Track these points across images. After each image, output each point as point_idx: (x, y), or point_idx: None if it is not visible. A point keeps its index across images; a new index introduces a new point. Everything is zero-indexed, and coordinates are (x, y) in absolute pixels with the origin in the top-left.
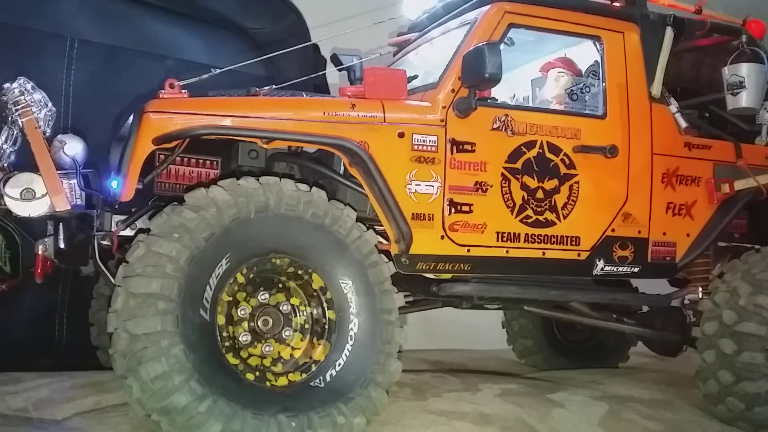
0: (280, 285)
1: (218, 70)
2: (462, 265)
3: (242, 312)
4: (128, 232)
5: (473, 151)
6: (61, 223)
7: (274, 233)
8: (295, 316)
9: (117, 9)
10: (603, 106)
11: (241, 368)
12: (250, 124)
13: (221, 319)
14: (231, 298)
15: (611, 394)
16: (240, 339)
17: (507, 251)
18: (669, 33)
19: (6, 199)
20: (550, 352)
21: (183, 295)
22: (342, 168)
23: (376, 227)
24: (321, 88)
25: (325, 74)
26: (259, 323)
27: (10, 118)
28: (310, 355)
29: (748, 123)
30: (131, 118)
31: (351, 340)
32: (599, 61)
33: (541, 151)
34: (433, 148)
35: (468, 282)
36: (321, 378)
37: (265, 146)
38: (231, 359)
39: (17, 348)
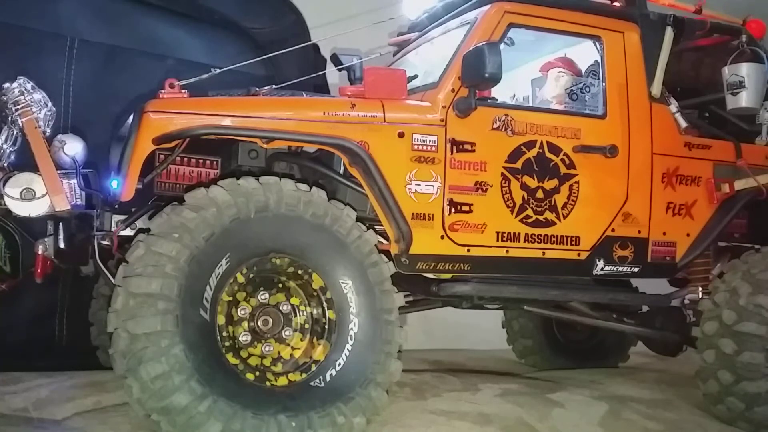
0: (280, 285)
1: (218, 70)
2: (462, 265)
3: (242, 312)
4: (128, 232)
5: (473, 150)
6: (61, 223)
7: (274, 233)
8: (295, 315)
9: (117, 9)
10: (603, 106)
11: (241, 368)
12: (250, 124)
13: (221, 319)
14: (231, 298)
15: (611, 394)
16: (240, 339)
17: (507, 251)
18: (669, 33)
19: (6, 199)
20: (550, 352)
21: (183, 295)
22: (342, 168)
23: (376, 227)
24: (321, 88)
25: (325, 74)
26: (259, 323)
27: (10, 118)
28: (310, 354)
29: (748, 123)
30: (131, 118)
31: (351, 339)
32: (599, 61)
33: (541, 150)
34: (433, 148)
35: (468, 282)
36: (321, 378)
37: (265, 146)
38: (231, 359)
39: (17, 348)
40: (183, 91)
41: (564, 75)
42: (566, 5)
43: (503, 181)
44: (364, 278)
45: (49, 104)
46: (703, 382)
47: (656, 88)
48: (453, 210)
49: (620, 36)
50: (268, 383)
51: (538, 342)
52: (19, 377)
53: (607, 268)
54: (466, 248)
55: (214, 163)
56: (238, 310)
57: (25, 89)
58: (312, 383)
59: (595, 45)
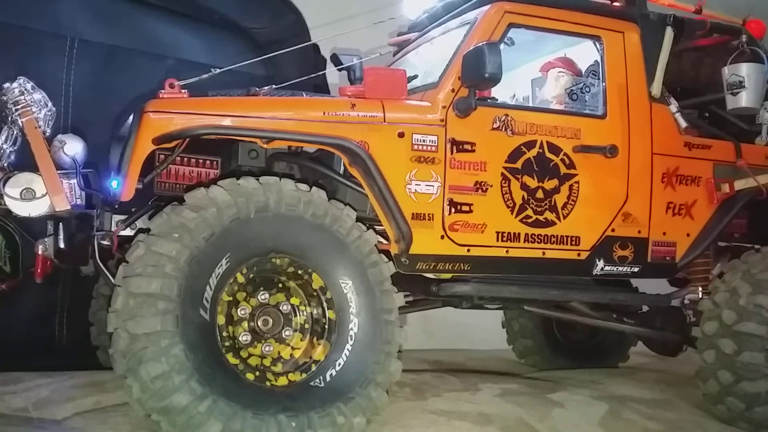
0: (280, 285)
1: (218, 70)
2: (462, 264)
3: (242, 312)
4: (128, 232)
5: (473, 150)
6: (61, 223)
7: (274, 233)
8: (295, 315)
9: (117, 9)
10: (603, 106)
11: (241, 368)
12: (250, 124)
13: (221, 319)
14: (231, 298)
15: (611, 394)
16: (240, 339)
17: (507, 251)
18: (669, 33)
19: (6, 199)
20: (550, 352)
21: (183, 294)
22: (342, 168)
23: (376, 227)
24: (321, 88)
25: (325, 74)
26: (259, 323)
27: (10, 118)
28: (310, 354)
29: (748, 123)
30: (131, 118)
31: (351, 339)
32: (599, 61)
33: (541, 150)
34: (433, 148)
35: (468, 282)
36: (321, 378)
37: (265, 146)
38: (231, 359)
39: (17, 348)
40: (183, 91)
41: (564, 75)
42: (566, 5)
43: (503, 181)
44: (364, 278)
45: (49, 104)
46: (703, 382)
47: (656, 88)
48: (453, 210)
49: (620, 36)
50: (268, 383)
51: (538, 342)
52: (19, 377)
53: (607, 268)
54: (466, 248)
55: (214, 163)
56: (238, 310)
57: (25, 89)
58: (312, 383)
59: (595, 45)
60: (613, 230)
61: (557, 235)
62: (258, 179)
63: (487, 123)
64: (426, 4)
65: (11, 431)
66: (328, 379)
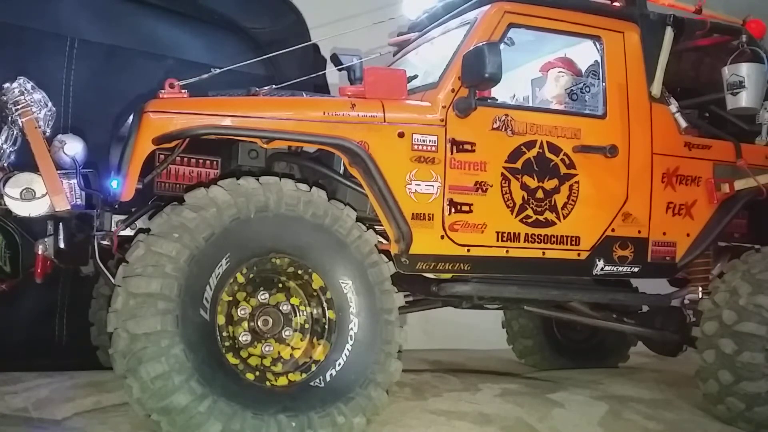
0: (280, 285)
1: (218, 70)
2: (462, 264)
3: (242, 312)
4: (128, 232)
5: (473, 150)
6: (61, 223)
7: (274, 233)
8: (295, 315)
9: (117, 9)
10: (603, 106)
11: (241, 368)
12: (250, 124)
13: (221, 319)
14: (231, 298)
15: (611, 394)
16: (240, 339)
17: (507, 251)
18: (669, 33)
19: (6, 199)
20: (550, 352)
21: (183, 294)
22: (342, 168)
23: (376, 227)
24: (321, 88)
25: (325, 74)
26: (259, 323)
27: (10, 118)
28: (310, 354)
29: (748, 123)
30: (131, 118)
31: (351, 339)
32: (599, 61)
33: (541, 150)
34: (433, 148)
35: (468, 282)
36: (321, 378)
37: (265, 146)
38: (231, 359)
39: (17, 348)
40: (183, 91)
41: (564, 75)
42: (566, 5)
43: (503, 181)
44: (364, 278)
45: (49, 104)
46: (703, 382)
47: (656, 88)
48: (453, 210)
49: (620, 36)
50: (268, 383)
51: (538, 342)
52: (19, 377)
53: (607, 268)
54: (466, 248)
55: (214, 163)
56: (238, 310)
57: (25, 89)
58: (312, 383)
59: (595, 45)
60: (613, 230)
61: (557, 235)
62: (258, 179)
63: (487, 123)
64: (426, 4)
65: (11, 431)
66: (328, 379)
